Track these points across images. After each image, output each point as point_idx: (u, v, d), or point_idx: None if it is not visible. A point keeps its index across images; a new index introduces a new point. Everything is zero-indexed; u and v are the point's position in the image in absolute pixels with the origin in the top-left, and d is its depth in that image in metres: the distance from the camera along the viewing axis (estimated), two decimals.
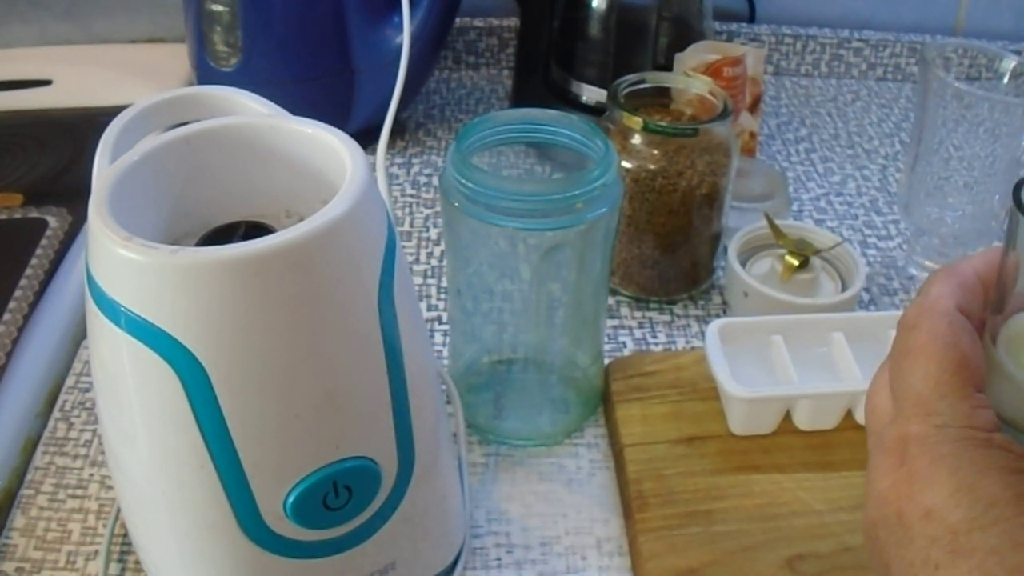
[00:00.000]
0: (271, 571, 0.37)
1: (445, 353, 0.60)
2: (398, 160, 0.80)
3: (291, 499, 0.35)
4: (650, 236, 0.61)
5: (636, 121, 0.58)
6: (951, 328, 0.30)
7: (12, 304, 0.59)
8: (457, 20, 0.83)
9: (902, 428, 0.30)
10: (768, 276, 0.62)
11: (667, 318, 0.64)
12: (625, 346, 0.62)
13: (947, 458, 0.28)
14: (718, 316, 0.64)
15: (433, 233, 0.72)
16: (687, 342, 0.62)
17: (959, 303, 0.31)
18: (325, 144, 0.37)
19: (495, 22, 0.94)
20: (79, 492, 0.51)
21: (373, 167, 0.37)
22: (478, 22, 0.94)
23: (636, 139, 0.59)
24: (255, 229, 0.38)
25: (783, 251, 0.62)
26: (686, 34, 0.75)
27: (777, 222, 0.63)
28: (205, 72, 0.75)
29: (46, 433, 0.54)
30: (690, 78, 0.65)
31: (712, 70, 0.70)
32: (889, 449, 0.30)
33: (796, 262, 0.61)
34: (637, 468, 0.50)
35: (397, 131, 0.83)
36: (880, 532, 0.30)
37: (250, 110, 0.42)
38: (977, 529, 0.27)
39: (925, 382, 0.30)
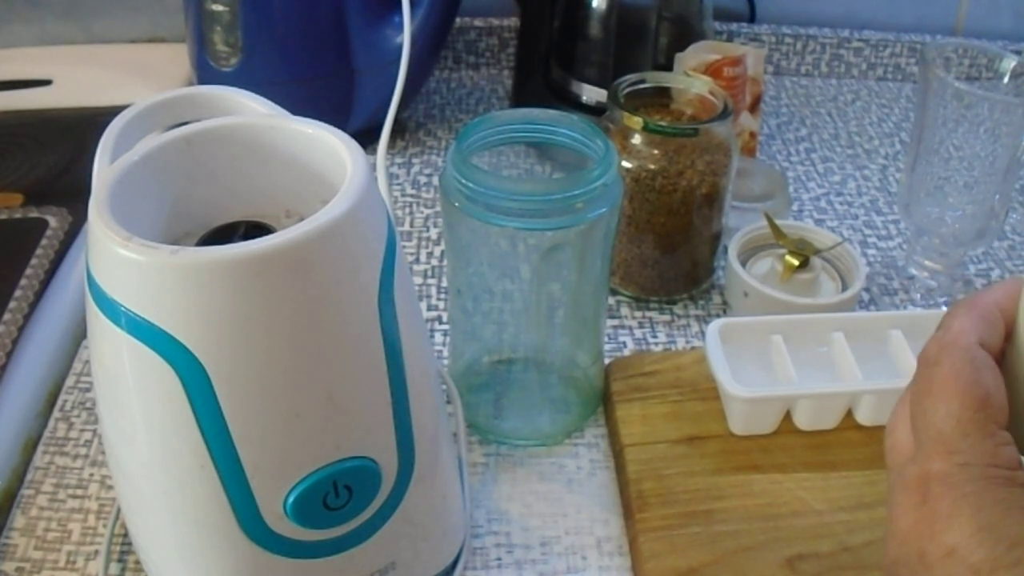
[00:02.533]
0: (271, 571, 0.37)
1: (445, 353, 0.60)
2: (398, 160, 0.80)
3: (291, 499, 0.35)
4: (650, 236, 0.61)
5: (636, 121, 0.58)
6: (973, 365, 0.30)
7: (12, 304, 0.59)
8: (457, 20, 0.83)
9: (924, 466, 0.30)
10: (768, 276, 0.62)
11: (667, 318, 0.64)
12: (625, 346, 0.62)
13: (970, 497, 0.28)
14: (718, 316, 0.64)
15: (433, 233, 0.72)
16: (687, 342, 0.62)
17: (981, 337, 0.31)
18: (325, 144, 0.37)
19: (495, 22, 0.94)
20: (79, 492, 0.51)
21: (373, 167, 0.37)
22: (478, 22, 0.94)
23: (636, 139, 0.59)
24: (255, 229, 0.38)
25: (783, 251, 0.62)
26: (686, 34, 0.75)
27: (777, 222, 0.63)
28: (205, 72, 0.75)
29: (46, 433, 0.54)
30: (690, 78, 0.65)
31: (712, 70, 0.70)
32: (910, 487, 0.30)
33: (796, 262, 0.61)
34: (637, 468, 0.50)
35: (397, 131, 0.83)
36: (901, 570, 0.30)
37: (250, 110, 0.41)
38: (1000, 568, 0.27)
39: (947, 420, 0.29)
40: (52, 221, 0.67)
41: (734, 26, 0.96)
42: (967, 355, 0.30)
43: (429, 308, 0.64)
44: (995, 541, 0.27)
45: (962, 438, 0.29)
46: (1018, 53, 0.62)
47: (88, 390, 0.57)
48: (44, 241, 0.65)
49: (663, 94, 0.63)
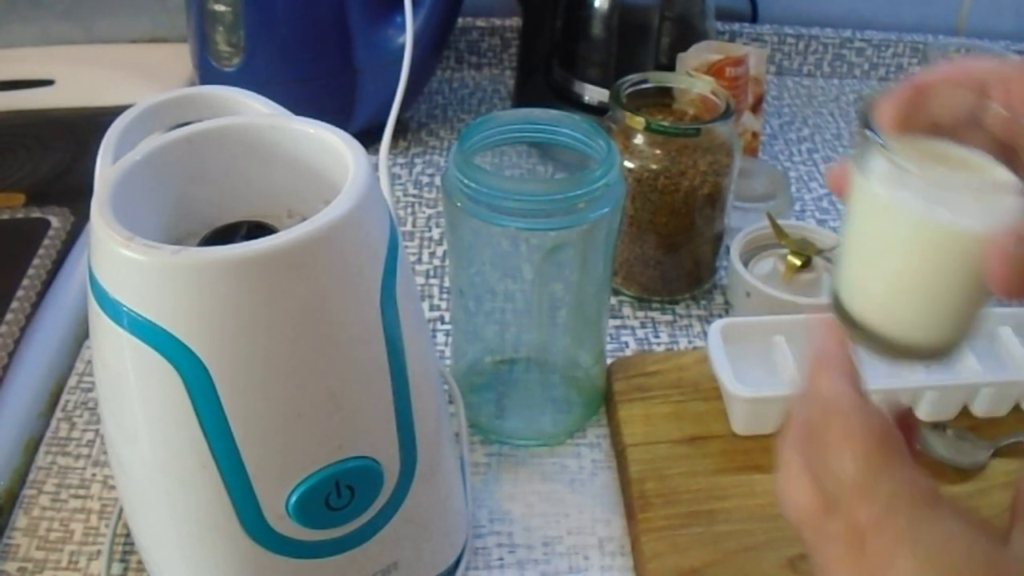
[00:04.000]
0: (273, 571, 0.37)
1: (447, 353, 0.60)
2: (400, 160, 0.80)
3: (293, 499, 0.35)
4: (652, 236, 0.61)
5: (639, 121, 0.58)
6: (863, 416, 0.31)
7: (14, 304, 0.60)
8: (459, 20, 0.83)
9: (849, 518, 0.30)
10: (770, 276, 0.62)
11: (669, 318, 0.64)
12: (627, 346, 0.62)
13: (904, 534, 0.29)
14: (720, 316, 0.64)
15: (435, 233, 0.72)
16: (689, 342, 0.62)
17: (852, 385, 0.32)
18: (327, 144, 0.37)
19: (497, 22, 0.94)
20: (81, 492, 0.51)
21: (375, 167, 0.37)
22: (480, 22, 0.94)
23: (638, 139, 0.59)
24: (257, 229, 0.38)
25: (785, 251, 0.62)
26: (688, 34, 0.75)
27: (779, 222, 0.63)
28: (207, 72, 0.75)
29: (48, 433, 0.54)
30: (692, 78, 0.65)
31: (714, 70, 0.70)
32: (841, 540, 0.30)
33: (798, 262, 0.61)
34: (639, 468, 0.50)
35: (399, 131, 0.83)
36: None
37: (252, 110, 0.42)
38: None
39: (856, 465, 0.30)
40: (54, 221, 0.67)
41: (736, 26, 0.95)
42: (854, 411, 0.31)
43: (431, 308, 0.64)
44: (939, 572, 0.28)
45: (876, 476, 0.30)
46: (1020, 53, 0.62)
47: (90, 390, 0.57)
48: (46, 241, 0.65)
49: (665, 94, 0.63)
